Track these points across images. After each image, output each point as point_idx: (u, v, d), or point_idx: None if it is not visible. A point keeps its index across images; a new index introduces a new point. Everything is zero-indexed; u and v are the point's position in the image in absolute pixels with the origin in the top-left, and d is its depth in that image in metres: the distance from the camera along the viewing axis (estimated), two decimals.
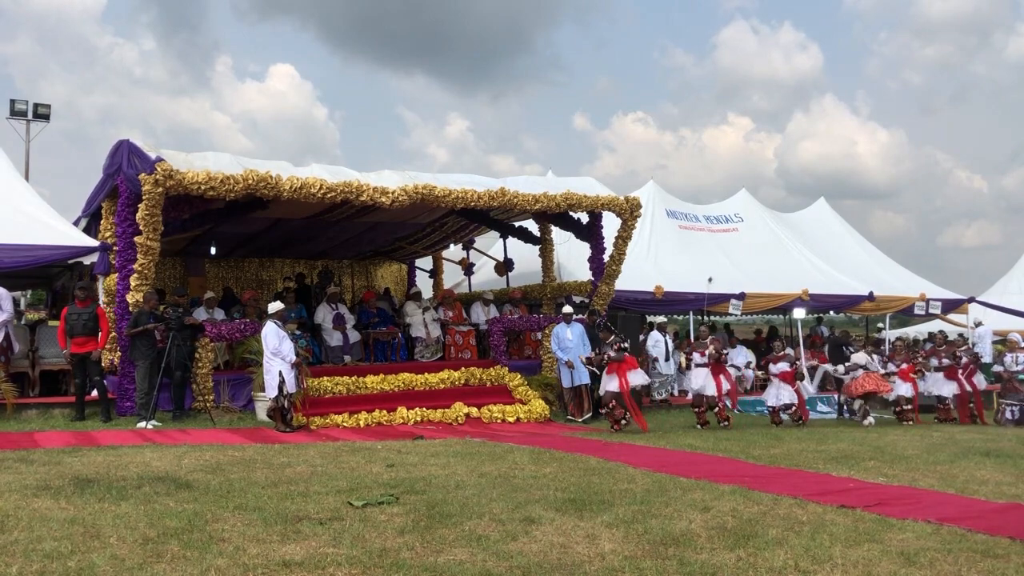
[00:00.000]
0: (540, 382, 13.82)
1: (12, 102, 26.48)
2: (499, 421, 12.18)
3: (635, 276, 15.72)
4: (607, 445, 9.44)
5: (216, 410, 11.68)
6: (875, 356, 13.37)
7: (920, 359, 13.84)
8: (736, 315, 18.07)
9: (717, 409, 12.09)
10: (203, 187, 11.10)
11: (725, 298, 16.65)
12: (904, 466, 7.79)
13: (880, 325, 21.35)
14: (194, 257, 17.04)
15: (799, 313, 17.23)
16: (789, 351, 13.39)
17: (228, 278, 17.75)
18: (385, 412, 11.87)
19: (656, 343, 15.66)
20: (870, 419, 12.78)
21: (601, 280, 14.86)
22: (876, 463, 7.97)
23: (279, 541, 4.69)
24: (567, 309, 13.69)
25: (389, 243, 18.30)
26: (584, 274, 15.44)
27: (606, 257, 14.86)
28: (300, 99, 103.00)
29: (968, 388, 14.04)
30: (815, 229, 21.11)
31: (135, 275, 11.25)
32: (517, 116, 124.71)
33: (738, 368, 17.08)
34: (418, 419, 11.93)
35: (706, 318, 21.87)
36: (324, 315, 14.29)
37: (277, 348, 10.73)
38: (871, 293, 18.24)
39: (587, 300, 15.14)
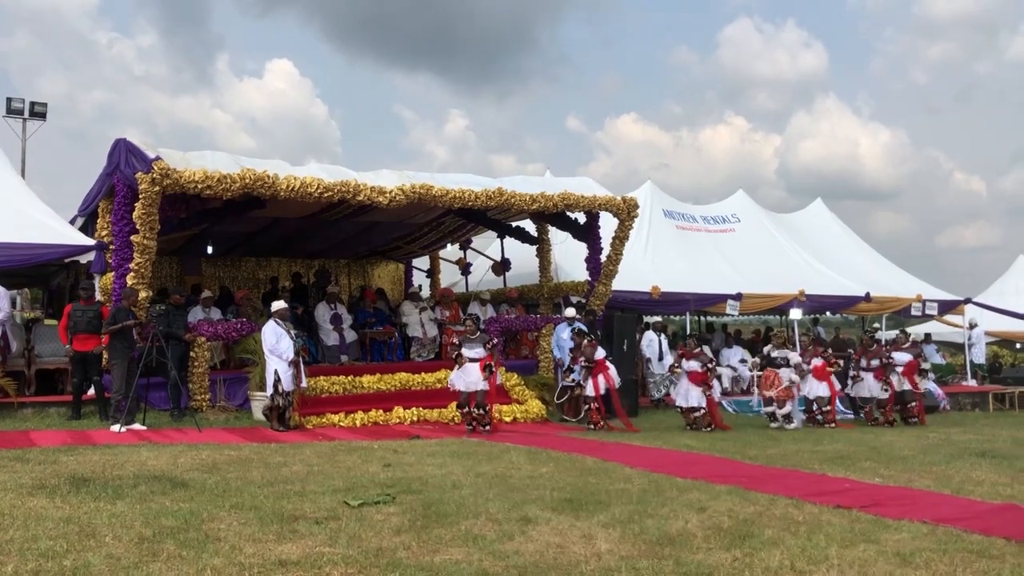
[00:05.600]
0: (537, 382, 13.83)
1: (9, 100, 26.41)
2: (496, 421, 12.17)
3: (632, 276, 15.73)
4: (603, 445, 9.45)
5: (213, 409, 11.68)
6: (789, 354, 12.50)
7: (833, 360, 12.82)
8: (733, 315, 18.09)
9: (587, 409, 11.74)
10: (200, 186, 11.09)
11: (722, 298, 16.67)
12: (900, 467, 7.81)
13: (876, 325, 21.38)
14: (191, 256, 17.01)
15: (796, 314, 17.22)
16: (705, 350, 12.72)
17: (224, 277, 17.72)
18: (381, 412, 11.89)
19: (650, 343, 15.65)
20: (777, 423, 12.14)
21: (598, 280, 14.87)
22: (872, 464, 7.99)
23: (275, 540, 4.69)
24: (570, 312, 13.68)
25: (386, 243, 18.28)
26: (581, 274, 15.45)
27: (603, 257, 14.88)
28: (300, 97, 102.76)
29: (905, 387, 13.24)
30: (812, 230, 21.13)
31: (132, 274, 11.24)
32: (519, 114, 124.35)
33: (733, 368, 17.15)
34: (414, 419, 11.94)
35: (701, 319, 21.91)
36: (323, 314, 14.30)
37: (274, 346, 10.72)
38: (868, 294, 18.27)
39: (584, 300, 15.15)
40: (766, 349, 12.94)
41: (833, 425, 12.36)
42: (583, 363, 11.86)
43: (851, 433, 11.41)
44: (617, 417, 11.93)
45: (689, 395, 11.89)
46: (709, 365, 12.02)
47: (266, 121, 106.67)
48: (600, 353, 12.01)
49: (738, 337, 19.40)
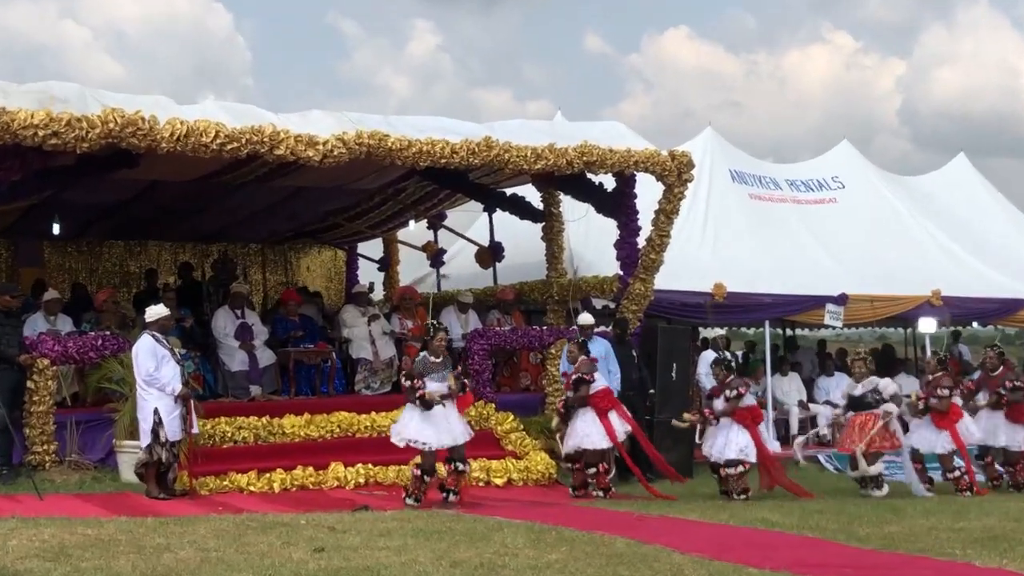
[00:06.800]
0: (543, 426, 13.84)
1: None
2: (482, 484, 12.24)
3: (684, 269, 15.75)
4: (641, 520, 9.49)
5: (61, 466, 11.65)
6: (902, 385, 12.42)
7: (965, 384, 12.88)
8: (835, 327, 18.08)
9: (596, 473, 11.79)
10: (42, 133, 11.06)
11: (818, 302, 16.67)
12: None
13: None
14: (28, 238, 17.05)
15: (928, 325, 17.22)
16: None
17: (79, 270, 17.77)
18: (312, 470, 11.94)
19: (711, 369, 15.57)
20: (882, 489, 12.16)
21: (634, 275, 14.88)
22: None
23: None
24: (585, 319, 13.67)
25: (319, 219, 18.34)
26: (609, 266, 15.47)
27: (641, 241, 14.91)
28: (191, 2, 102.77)
29: None
30: (953, 200, 21.15)
31: None
32: (516, 29, 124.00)
33: (834, 405, 17.08)
34: (361, 481, 12.03)
35: (790, 332, 21.91)
36: (224, 325, 14.32)
37: (152, 374, 10.74)
38: None
39: (613, 305, 15.14)
40: (850, 385, 12.87)
41: (968, 494, 12.38)
42: (579, 376, 11.83)
43: (1008, 502, 11.42)
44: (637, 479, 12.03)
45: (730, 440, 11.77)
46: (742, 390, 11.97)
47: (140, 38, 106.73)
48: (601, 381, 12.07)
49: (842, 359, 19.41)
